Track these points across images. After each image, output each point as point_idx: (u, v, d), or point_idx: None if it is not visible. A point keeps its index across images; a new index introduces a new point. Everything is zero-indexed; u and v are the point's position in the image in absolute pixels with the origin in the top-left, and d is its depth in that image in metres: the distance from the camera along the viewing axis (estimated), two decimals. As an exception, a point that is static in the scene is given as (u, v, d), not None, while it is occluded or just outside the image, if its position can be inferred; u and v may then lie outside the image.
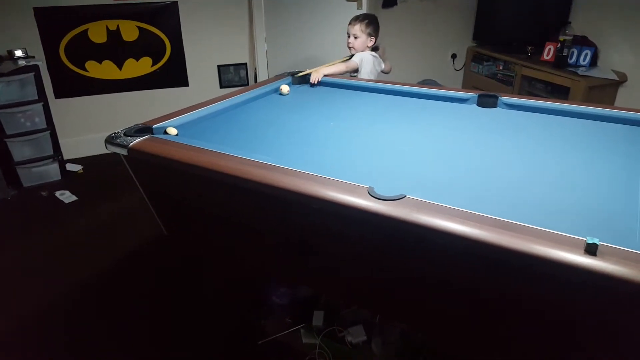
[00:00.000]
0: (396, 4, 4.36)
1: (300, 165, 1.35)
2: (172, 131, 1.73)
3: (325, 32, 4.32)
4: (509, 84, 4.19)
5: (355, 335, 1.92)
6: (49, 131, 3.42)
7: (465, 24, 4.72)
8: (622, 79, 3.47)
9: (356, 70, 2.81)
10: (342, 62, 2.81)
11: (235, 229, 1.72)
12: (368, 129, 1.87)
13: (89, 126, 3.90)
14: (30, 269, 2.51)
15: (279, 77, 2.59)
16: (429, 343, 1.86)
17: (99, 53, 3.75)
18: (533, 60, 3.98)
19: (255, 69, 4.25)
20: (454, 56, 4.89)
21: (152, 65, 3.96)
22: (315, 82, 2.53)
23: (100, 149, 1.77)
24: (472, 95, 2.16)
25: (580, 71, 3.51)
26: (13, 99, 3.21)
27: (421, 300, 1.36)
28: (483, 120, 1.96)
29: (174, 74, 4.06)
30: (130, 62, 3.88)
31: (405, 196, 1.17)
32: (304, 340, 1.95)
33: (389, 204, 1.14)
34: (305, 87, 2.53)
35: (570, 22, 3.81)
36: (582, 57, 3.61)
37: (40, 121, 3.37)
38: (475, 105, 2.13)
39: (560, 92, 3.60)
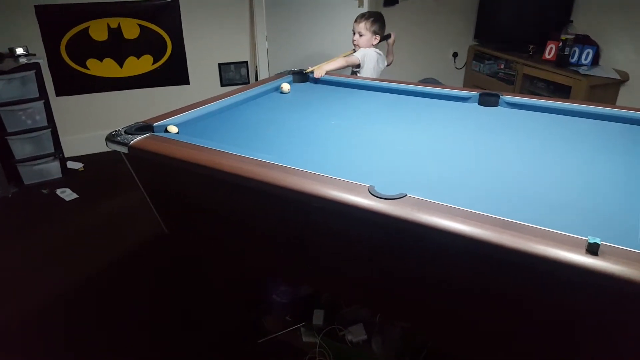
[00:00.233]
0: (397, 2, 4.36)
1: (300, 164, 1.35)
2: (173, 129, 1.73)
3: (326, 31, 4.31)
4: (511, 82, 4.19)
5: (356, 334, 1.92)
6: (49, 129, 3.42)
7: (466, 23, 4.72)
8: (624, 78, 3.47)
9: (358, 66, 2.81)
10: (343, 57, 2.81)
11: (236, 227, 1.72)
12: (369, 128, 1.87)
13: (89, 124, 3.90)
14: (30, 267, 2.51)
15: (280, 75, 2.58)
16: (429, 342, 1.86)
17: (100, 51, 3.75)
18: (535, 59, 3.97)
19: (256, 67, 4.25)
20: (455, 55, 4.89)
21: (153, 63, 3.95)
22: (319, 77, 2.54)
23: (101, 146, 1.77)
24: (474, 94, 2.15)
25: (582, 70, 3.50)
26: (14, 97, 3.21)
27: (421, 299, 1.36)
28: (484, 119, 1.95)
29: (174, 72, 4.05)
30: (131, 60, 3.88)
31: (406, 195, 1.16)
32: (304, 339, 1.94)
33: (389, 203, 1.13)
34: (306, 85, 2.53)
35: (572, 21, 3.81)
36: (583, 56, 3.61)
37: (41, 119, 3.37)
38: (476, 104, 2.13)
39: (561, 91, 3.60)
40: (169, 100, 3.91)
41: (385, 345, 1.89)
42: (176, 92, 4.08)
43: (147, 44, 3.87)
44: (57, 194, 3.28)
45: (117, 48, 3.79)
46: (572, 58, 3.66)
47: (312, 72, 2.57)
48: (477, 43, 4.79)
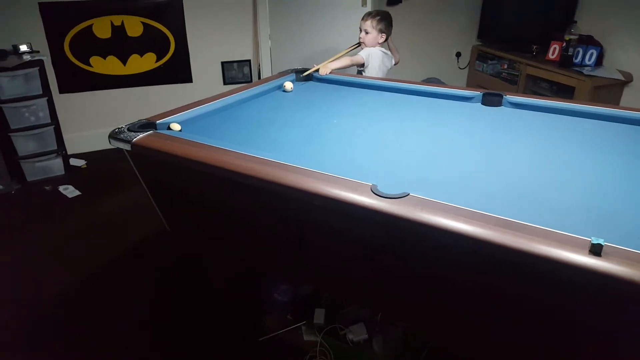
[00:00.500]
0: (401, 1, 4.35)
1: (303, 162, 1.35)
2: (176, 127, 1.73)
3: (329, 30, 4.31)
4: (514, 83, 4.18)
5: (357, 334, 1.92)
6: (53, 126, 3.43)
7: (470, 23, 4.71)
8: (627, 79, 3.45)
9: (363, 65, 2.82)
10: (347, 53, 2.81)
11: (237, 225, 1.72)
12: (371, 127, 1.87)
13: (92, 121, 3.91)
14: (32, 264, 2.52)
15: (283, 74, 2.59)
16: (430, 342, 1.86)
17: (104, 48, 3.76)
18: (538, 60, 3.96)
19: (259, 65, 4.25)
20: (458, 55, 4.88)
21: (156, 61, 3.96)
22: (324, 74, 2.56)
23: (104, 144, 1.77)
24: (477, 93, 2.15)
25: (586, 71, 3.49)
26: (18, 94, 3.22)
27: (423, 299, 1.36)
28: (487, 119, 1.95)
29: (177, 70, 4.06)
30: (134, 58, 3.88)
31: (408, 194, 1.16)
32: (305, 338, 1.94)
33: (392, 202, 1.13)
34: (309, 84, 2.53)
35: (576, 21, 3.79)
36: (587, 57, 3.59)
37: (44, 116, 3.37)
38: (479, 103, 2.13)
39: (565, 92, 3.59)
40: (171, 98, 3.92)
41: (386, 344, 1.89)
42: (179, 90, 4.08)
43: (150, 42, 3.87)
44: (59, 191, 3.28)
45: (121, 46, 3.80)
46: (576, 58, 3.65)
47: (317, 70, 2.57)
48: (480, 43, 4.78)
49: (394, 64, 3.03)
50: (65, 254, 2.60)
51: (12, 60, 3.17)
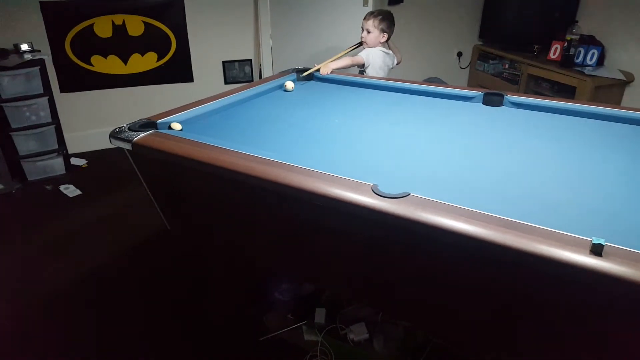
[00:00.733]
0: (402, 1, 4.35)
1: (304, 162, 1.35)
2: (177, 126, 1.73)
3: (331, 29, 4.31)
4: (515, 82, 4.17)
5: (357, 333, 1.92)
6: (53, 125, 3.43)
7: (471, 22, 4.70)
8: (629, 79, 3.45)
9: (363, 65, 2.82)
10: (349, 53, 2.81)
11: (238, 225, 1.72)
12: (372, 127, 1.87)
13: (93, 120, 3.91)
14: (33, 263, 2.52)
15: (284, 73, 2.59)
16: (431, 341, 1.86)
17: (105, 48, 3.76)
18: (539, 59, 3.95)
19: (260, 65, 4.25)
20: (459, 54, 4.87)
21: (157, 60, 3.96)
22: (325, 74, 2.57)
23: (105, 143, 1.77)
24: (478, 93, 2.15)
25: (587, 71, 3.49)
26: (18, 93, 3.22)
27: (424, 298, 1.36)
28: (488, 119, 1.95)
29: (179, 70, 4.06)
30: (135, 57, 3.88)
31: (409, 194, 1.16)
32: (306, 338, 1.95)
33: (392, 202, 1.13)
34: (310, 83, 2.53)
35: (577, 21, 3.79)
36: (588, 57, 3.59)
37: (45, 115, 3.38)
38: (480, 103, 2.12)
39: (566, 92, 3.58)
40: (172, 97, 3.92)
41: (387, 344, 1.89)
42: (180, 90, 4.08)
43: (151, 41, 3.87)
44: (60, 190, 3.29)
45: (122, 45, 3.80)
46: (577, 58, 3.64)
47: (318, 70, 2.57)
48: (481, 43, 4.78)
49: (396, 64, 3.03)
50: (66, 253, 2.60)
51: (13, 60, 3.17)
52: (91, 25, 3.65)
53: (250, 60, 4.25)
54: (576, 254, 0.92)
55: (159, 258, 2.55)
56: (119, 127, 1.68)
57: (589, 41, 3.62)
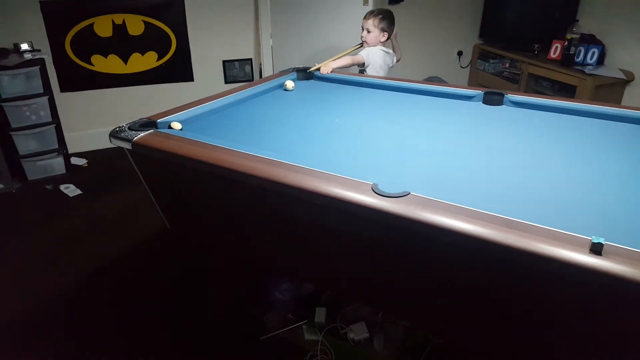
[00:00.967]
0: (402, 0, 4.34)
1: (304, 161, 1.35)
2: (177, 126, 1.73)
3: (331, 28, 4.31)
4: (515, 82, 4.17)
5: (358, 333, 1.92)
6: (54, 125, 3.43)
7: (471, 21, 4.70)
8: (629, 78, 3.45)
9: (363, 65, 2.81)
10: (349, 53, 2.81)
11: (238, 224, 1.72)
12: (372, 126, 1.87)
13: (93, 120, 3.91)
14: (33, 263, 2.52)
15: (284, 72, 2.59)
16: (431, 341, 1.86)
17: (105, 47, 3.76)
18: (540, 59, 3.95)
19: (261, 64, 4.25)
20: (460, 53, 4.87)
21: (158, 59, 3.96)
22: (325, 73, 2.57)
23: (105, 143, 1.77)
24: (478, 92, 2.15)
25: (587, 70, 3.49)
26: (19, 92, 3.22)
27: (424, 298, 1.36)
28: (489, 118, 1.95)
29: (179, 69, 4.06)
30: (135, 57, 3.88)
31: (409, 193, 1.16)
32: (306, 337, 1.95)
33: (392, 201, 1.13)
34: (310, 83, 2.53)
35: (577, 20, 3.79)
36: (589, 56, 3.59)
37: (45, 114, 3.38)
38: (481, 102, 2.12)
39: (566, 91, 3.58)
40: (173, 96, 3.91)
41: (387, 343, 1.89)
42: (180, 89, 4.08)
43: (151, 41, 3.87)
44: (60, 190, 3.29)
45: (122, 44, 3.80)
46: (578, 57, 3.64)
47: (318, 69, 2.57)
48: (482, 42, 4.78)
49: (396, 61, 3.03)
50: (66, 252, 2.60)
51: (13, 59, 3.18)
52: (91, 25, 3.64)
53: (251, 59, 4.25)
54: (576, 253, 0.92)
55: (159, 258, 2.55)
56: (119, 127, 1.68)
57: (590, 40, 3.62)
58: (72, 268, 2.45)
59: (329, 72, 2.57)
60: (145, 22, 3.79)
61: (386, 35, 2.85)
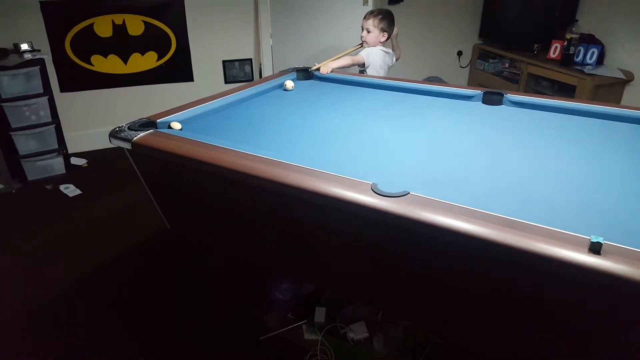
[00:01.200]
0: (402, 0, 4.34)
1: (303, 161, 1.35)
2: (176, 126, 1.73)
3: (331, 28, 4.31)
4: (515, 81, 4.17)
5: (357, 332, 1.92)
6: (54, 125, 3.43)
7: (471, 21, 4.71)
8: (629, 78, 3.45)
9: (363, 65, 2.82)
10: (349, 53, 2.82)
11: (238, 224, 1.72)
12: (372, 126, 1.87)
13: (93, 120, 3.91)
14: (33, 263, 2.52)
15: (284, 72, 2.59)
16: (431, 341, 1.86)
17: (105, 47, 3.76)
18: (539, 58, 3.96)
19: (260, 64, 4.25)
20: (459, 53, 4.87)
21: (158, 60, 3.96)
22: (325, 73, 2.57)
23: (105, 143, 1.78)
24: (478, 92, 2.15)
25: (587, 69, 3.49)
26: (18, 92, 3.22)
27: (423, 297, 1.36)
28: (488, 118, 1.95)
29: (179, 69, 4.06)
30: (135, 57, 3.88)
31: (408, 193, 1.16)
32: (306, 337, 1.95)
33: (392, 201, 1.13)
34: (310, 83, 2.53)
35: (577, 20, 3.79)
36: (588, 56, 3.59)
37: (45, 115, 3.38)
38: (480, 102, 2.13)
39: (566, 91, 3.58)
40: (172, 97, 3.92)
41: (386, 343, 1.89)
42: (180, 89, 4.08)
43: (151, 41, 3.87)
44: (60, 190, 3.29)
45: (122, 44, 3.80)
46: (577, 57, 3.65)
47: (318, 69, 2.57)
48: (481, 42, 4.78)
49: (396, 60, 3.03)
50: (66, 252, 2.60)
51: (13, 59, 3.18)
52: (91, 25, 3.64)
53: (250, 59, 4.25)
54: (575, 252, 0.93)
55: (159, 258, 2.55)
56: (119, 127, 1.68)
57: (589, 40, 3.62)
58: (71, 268, 2.45)
59: (329, 72, 2.57)
60: (145, 22, 3.79)
61: (386, 35, 2.85)
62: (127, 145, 1.60)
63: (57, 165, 3.52)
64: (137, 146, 1.57)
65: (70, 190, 3.29)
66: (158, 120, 1.75)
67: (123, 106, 3.95)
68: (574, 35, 3.63)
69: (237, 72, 4.25)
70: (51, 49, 3.58)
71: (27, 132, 3.32)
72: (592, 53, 3.57)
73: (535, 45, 4.07)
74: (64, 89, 3.74)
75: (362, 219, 1.19)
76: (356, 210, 1.17)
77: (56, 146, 3.48)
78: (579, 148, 1.61)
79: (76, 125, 3.84)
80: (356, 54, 2.84)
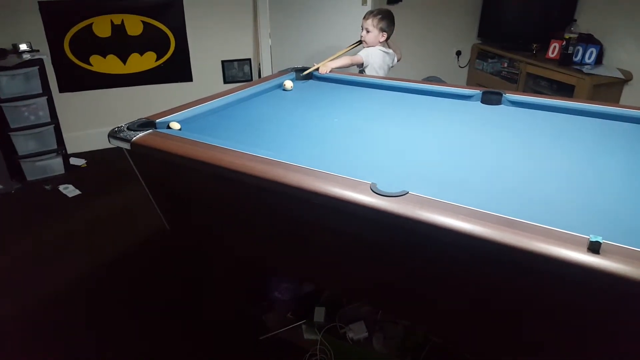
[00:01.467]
0: (401, 0, 4.35)
1: (302, 161, 1.35)
2: (175, 126, 1.73)
3: (330, 28, 4.31)
4: (514, 81, 4.18)
5: (357, 332, 1.92)
6: (52, 125, 3.43)
7: (470, 21, 4.71)
8: (627, 78, 3.45)
9: (362, 65, 2.82)
10: (347, 52, 2.82)
11: (237, 224, 1.72)
12: (371, 126, 1.87)
13: (92, 120, 3.91)
14: (32, 263, 2.52)
15: (283, 72, 2.59)
16: (430, 340, 1.86)
17: (104, 47, 3.76)
18: (538, 58, 3.96)
19: (259, 64, 4.25)
20: (458, 53, 4.88)
21: (156, 60, 3.96)
22: (324, 73, 2.57)
23: (104, 143, 1.77)
24: (477, 92, 2.15)
25: (586, 69, 3.49)
26: (17, 93, 3.22)
27: (423, 297, 1.36)
28: (487, 118, 1.95)
29: (178, 69, 4.06)
30: (134, 57, 3.88)
31: (407, 192, 1.16)
32: (306, 337, 1.95)
33: (391, 201, 1.13)
34: (309, 83, 2.53)
35: (575, 20, 3.80)
36: (587, 55, 3.60)
37: (44, 115, 3.38)
38: (479, 102, 2.13)
39: (565, 90, 3.59)
40: (171, 97, 3.91)
41: (386, 342, 1.89)
42: (179, 89, 4.08)
43: (150, 41, 3.87)
44: (59, 190, 3.28)
45: (121, 45, 3.80)
46: (576, 57, 3.65)
47: (317, 69, 2.57)
48: (480, 41, 4.78)
49: (396, 61, 3.03)
50: (65, 253, 2.60)
51: (11, 59, 3.18)
52: (90, 25, 3.64)
53: (249, 59, 4.25)
54: (573, 251, 0.93)
55: (159, 258, 2.55)
56: (118, 127, 1.68)
57: (588, 40, 3.63)
58: (71, 268, 2.45)
59: (328, 72, 2.57)
60: (144, 23, 3.79)
61: (385, 35, 2.85)
62: (126, 146, 1.60)
63: (56, 165, 3.52)
64: (136, 146, 1.57)
65: (70, 190, 3.29)
66: (157, 121, 1.75)
67: (122, 106, 3.95)
68: (572, 35, 3.64)
69: (236, 72, 4.25)
70: (50, 49, 3.58)
71: (26, 132, 3.31)
72: (591, 53, 3.57)
73: (534, 45, 4.07)
74: (62, 89, 3.74)
75: (361, 218, 1.19)
76: (355, 210, 1.17)
77: (55, 146, 3.48)
78: (578, 148, 1.61)
79: (75, 126, 3.84)
80: (355, 53, 2.84)
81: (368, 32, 2.83)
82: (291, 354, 1.89)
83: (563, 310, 1.06)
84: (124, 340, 1.99)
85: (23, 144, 3.34)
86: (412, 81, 2.39)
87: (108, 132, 1.65)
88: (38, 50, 3.38)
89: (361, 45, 2.91)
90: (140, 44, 3.86)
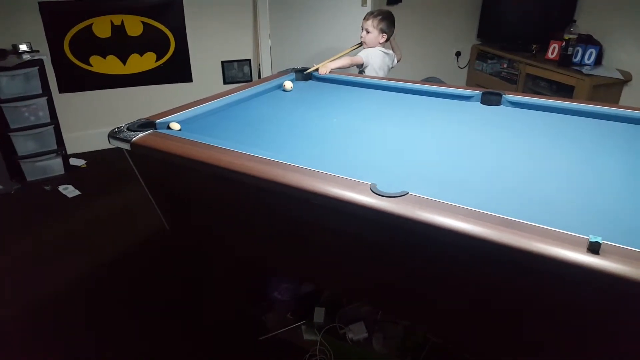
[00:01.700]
0: (401, 1, 4.35)
1: (302, 161, 1.35)
2: (175, 126, 1.73)
3: (330, 29, 4.31)
4: (513, 82, 4.18)
5: (357, 332, 1.92)
6: (52, 125, 3.43)
7: (469, 22, 4.71)
8: (627, 78, 3.45)
9: (362, 65, 2.82)
10: (348, 53, 2.82)
11: (237, 224, 1.72)
12: (371, 126, 1.87)
13: (92, 121, 3.91)
14: (32, 263, 2.52)
15: (283, 73, 2.59)
16: (430, 341, 1.86)
17: (103, 48, 3.76)
18: (537, 59, 3.96)
19: (259, 65, 4.25)
20: (458, 54, 4.88)
21: (156, 60, 3.96)
22: (324, 74, 2.57)
23: (104, 143, 1.78)
24: (476, 92, 2.15)
25: (585, 70, 3.49)
26: (17, 93, 3.22)
27: (422, 297, 1.36)
28: (486, 118, 1.95)
29: (177, 70, 4.06)
30: (134, 57, 3.88)
31: (407, 193, 1.16)
32: (305, 337, 1.95)
33: (391, 201, 1.14)
34: (309, 83, 2.54)
35: (575, 21, 3.80)
36: (586, 56, 3.60)
37: (44, 115, 3.38)
38: (479, 103, 2.13)
39: (564, 91, 3.59)
40: (171, 97, 3.92)
41: (386, 343, 1.89)
42: (179, 90, 4.09)
43: (150, 42, 3.88)
44: (59, 191, 3.28)
45: (121, 45, 3.80)
46: (575, 58, 3.65)
47: (316, 69, 2.58)
48: (480, 42, 4.79)
49: (397, 62, 3.03)
50: (65, 253, 2.60)
51: (11, 60, 3.18)
52: (90, 26, 3.64)
53: (249, 60, 4.25)
54: (573, 252, 0.93)
55: (158, 258, 2.55)
56: (118, 127, 1.68)
57: (587, 40, 3.63)
58: (70, 269, 2.45)
59: (328, 72, 2.57)
60: (143, 23, 3.79)
61: (385, 36, 2.85)
62: (126, 146, 1.60)
63: (56, 165, 3.52)
64: (136, 147, 1.57)
65: (69, 191, 3.29)
66: (157, 121, 1.75)
67: (122, 107, 3.95)
68: (572, 36, 3.64)
69: (236, 72, 4.26)
70: (50, 50, 3.58)
71: (25, 132, 3.31)
72: (590, 53, 3.58)
73: (534, 46, 4.07)
74: (62, 89, 3.74)
75: (361, 219, 1.19)
76: (355, 210, 1.17)
77: (55, 147, 3.48)
78: (577, 148, 1.61)
79: (75, 126, 3.84)
80: (355, 54, 2.84)
81: (368, 32, 2.84)
82: (291, 355, 1.89)
83: (563, 311, 1.06)
84: (124, 340, 1.99)
85: (23, 144, 3.34)
86: (411, 82, 2.40)
87: (108, 132, 1.65)
88: (38, 51, 3.38)
89: (361, 47, 2.92)
90: (140, 45, 3.86)
